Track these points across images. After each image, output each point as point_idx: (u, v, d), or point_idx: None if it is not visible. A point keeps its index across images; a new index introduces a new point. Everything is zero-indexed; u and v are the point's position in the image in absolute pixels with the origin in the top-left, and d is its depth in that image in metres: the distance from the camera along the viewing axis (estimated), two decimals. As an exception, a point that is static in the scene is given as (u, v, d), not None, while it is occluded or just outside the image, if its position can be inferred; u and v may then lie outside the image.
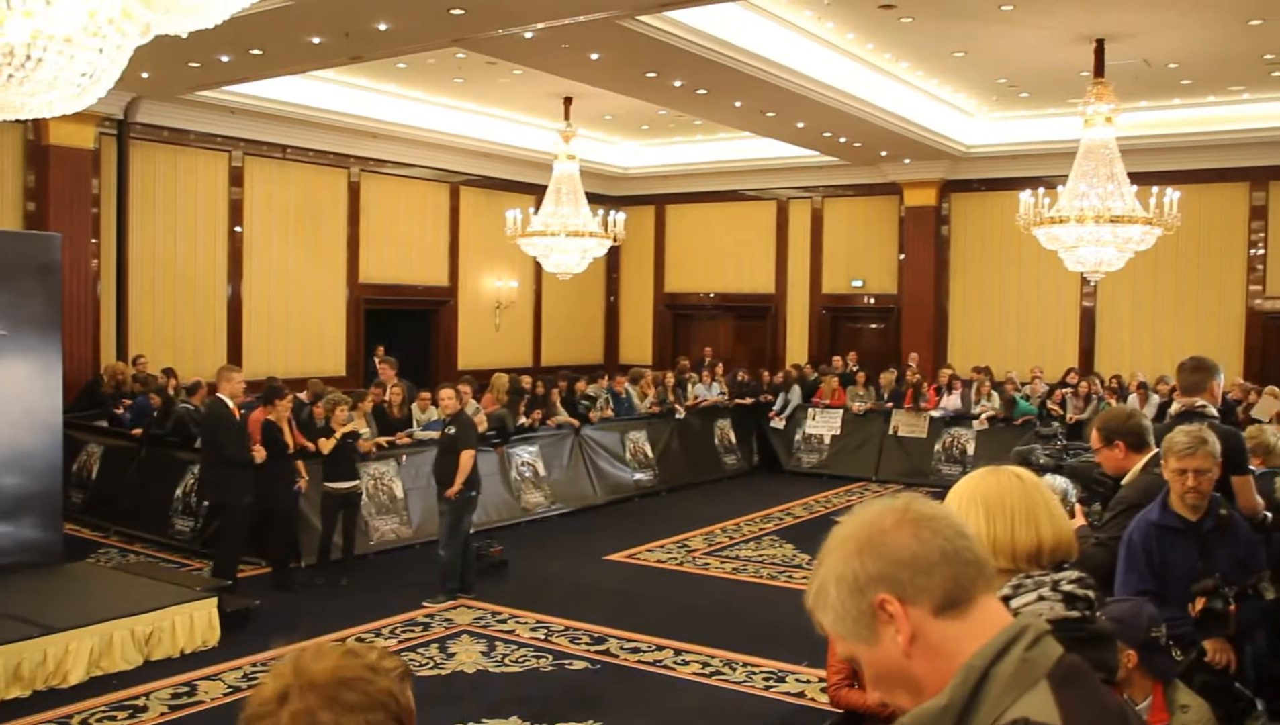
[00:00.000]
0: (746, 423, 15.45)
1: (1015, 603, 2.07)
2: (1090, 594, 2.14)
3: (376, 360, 13.10)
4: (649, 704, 6.43)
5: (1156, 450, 4.17)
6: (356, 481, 9.36)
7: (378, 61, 12.02)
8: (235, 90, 12.93)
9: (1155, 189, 11.13)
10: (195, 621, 7.11)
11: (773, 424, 15.36)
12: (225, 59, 10.87)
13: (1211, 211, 15.23)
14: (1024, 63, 12.60)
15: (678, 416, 14.26)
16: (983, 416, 13.95)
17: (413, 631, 7.68)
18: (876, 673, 1.41)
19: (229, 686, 6.52)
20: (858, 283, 18.24)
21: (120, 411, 11.83)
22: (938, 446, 14.19)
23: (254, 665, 6.82)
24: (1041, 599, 2.08)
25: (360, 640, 7.15)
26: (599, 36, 10.10)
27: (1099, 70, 11.23)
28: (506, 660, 7.09)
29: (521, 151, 16.65)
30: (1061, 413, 13.60)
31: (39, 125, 12.01)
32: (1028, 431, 12.84)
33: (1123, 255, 11.34)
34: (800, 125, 14.19)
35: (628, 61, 11.06)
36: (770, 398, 15.60)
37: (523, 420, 12.15)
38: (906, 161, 16.51)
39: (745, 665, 6.98)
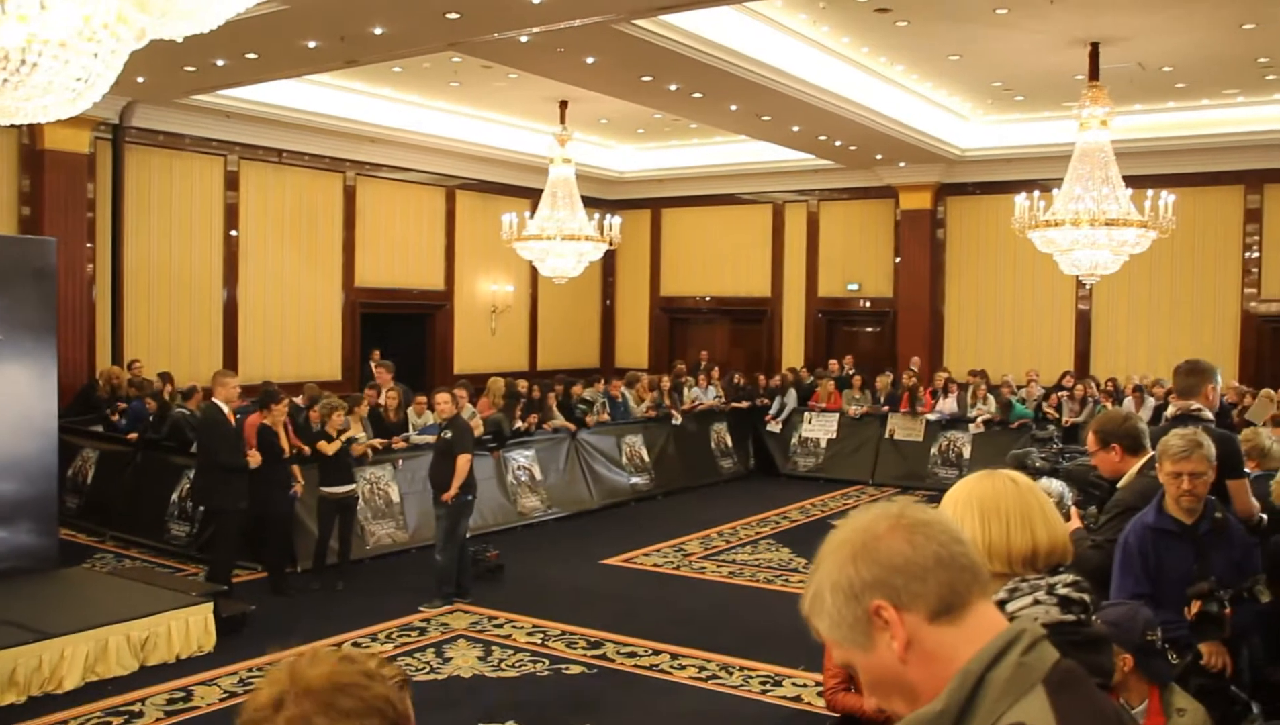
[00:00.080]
0: (743, 426, 15.45)
1: (1011, 606, 2.07)
2: (1086, 598, 2.14)
3: (373, 364, 13.08)
4: (646, 708, 6.43)
5: (1153, 453, 4.17)
6: (353, 486, 9.36)
7: (373, 65, 12.03)
8: (231, 94, 12.92)
9: (1150, 192, 11.16)
10: (191, 627, 7.10)
11: (769, 428, 15.37)
12: (221, 63, 10.86)
13: (1206, 214, 15.27)
14: (1019, 66, 12.63)
15: (674, 422, 14.26)
16: (979, 420, 13.96)
17: (409, 636, 7.67)
18: (872, 679, 1.42)
19: (225, 692, 6.50)
20: (853, 286, 18.26)
21: (115, 417, 11.81)
22: (934, 450, 14.20)
23: (250, 670, 6.81)
24: (1037, 603, 2.09)
25: (356, 645, 7.15)
26: (594, 40, 10.11)
27: (1094, 74, 11.25)
28: (503, 665, 7.09)
29: (517, 155, 16.67)
30: (1057, 416, 13.60)
31: (34, 129, 12.00)
32: (1024, 435, 12.83)
33: (1118, 258, 11.36)
34: (796, 129, 14.21)
35: (623, 65, 11.07)
36: (766, 401, 15.61)
37: (519, 424, 12.15)
38: (902, 165, 16.54)
39: (742, 669, 6.98)
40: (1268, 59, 12.02)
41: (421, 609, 8.24)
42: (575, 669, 7.03)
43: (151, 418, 11.15)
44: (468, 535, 8.84)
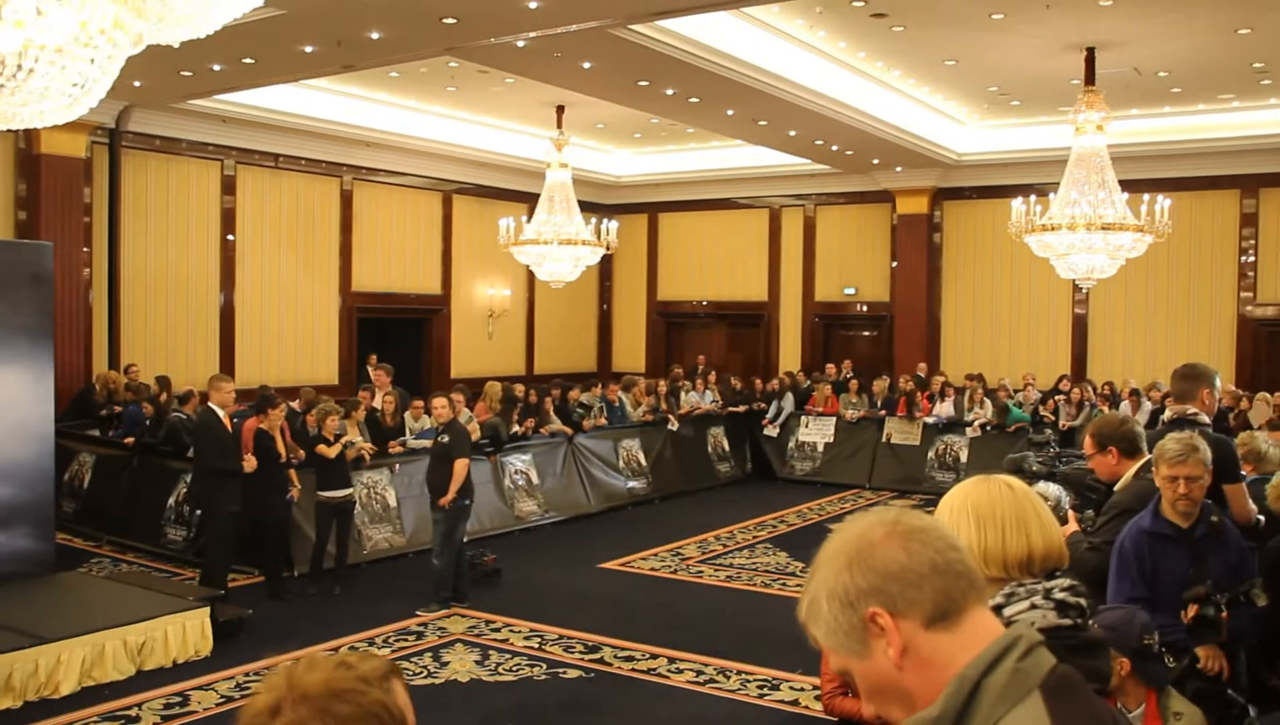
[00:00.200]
0: (740, 430, 15.46)
1: (1008, 611, 2.07)
2: (1083, 602, 2.14)
3: (370, 368, 13.07)
4: (643, 712, 6.42)
5: (1149, 456, 4.18)
6: (350, 490, 9.35)
7: (370, 70, 12.03)
8: (227, 99, 12.91)
9: (1146, 196, 11.18)
10: (188, 631, 7.08)
11: (766, 432, 15.37)
12: (217, 68, 10.86)
13: (1202, 219, 15.30)
14: (1015, 71, 12.65)
15: (671, 427, 14.26)
16: (975, 424, 13.97)
17: (406, 640, 7.66)
18: (869, 685, 1.42)
19: (222, 696, 6.50)
20: (850, 290, 18.28)
21: (112, 423, 11.79)
22: (931, 454, 14.20)
23: (247, 675, 6.80)
24: (1034, 607, 2.09)
25: (354, 649, 7.13)
26: (591, 45, 10.12)
27: (1090, 78, 11.27)
28: (500, 669, 7.08)
29: (514, 160, 16.66)
30: (1054, 419, 13.62)
31: (30, 134, 12.00)
32: (1020, 438, 12.83)
33: (1114, 262, 11.39)
34: (792, 133, 14.22)
35: (620, 70, 11.08)
36: (763, 405, 15.61)
37: (516, 429, 12.14)
38: (898, 169, 16.56)
39: (739, 673, 6.98)
40: (1263, 64, 12.05)
41: (419, 613, 8.24)
42: (573, 673, 7.02)
43: (148, 422, 11.14)
44: (465, 539, 8.83)
